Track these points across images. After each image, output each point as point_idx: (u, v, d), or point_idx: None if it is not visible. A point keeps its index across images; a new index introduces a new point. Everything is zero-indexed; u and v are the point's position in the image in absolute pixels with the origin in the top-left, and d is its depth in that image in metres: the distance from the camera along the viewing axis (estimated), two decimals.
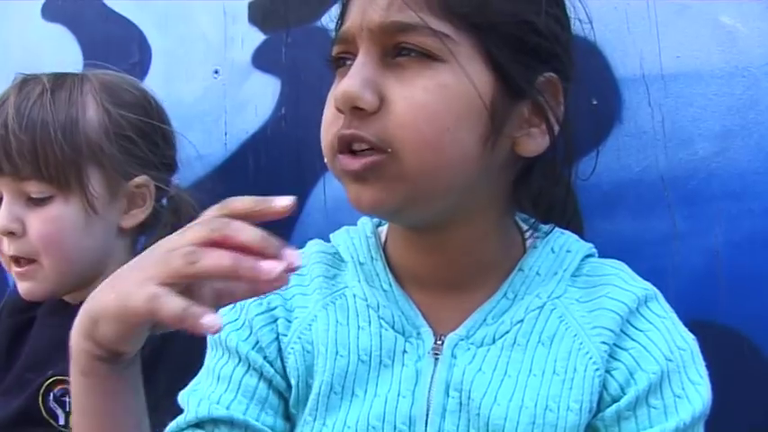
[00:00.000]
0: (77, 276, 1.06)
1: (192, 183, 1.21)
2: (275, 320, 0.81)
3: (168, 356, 0.96)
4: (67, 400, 1.00)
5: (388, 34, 0.73)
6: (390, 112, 0.71)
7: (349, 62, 0.75)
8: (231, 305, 0.81)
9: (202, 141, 1.23)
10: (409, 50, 0.72)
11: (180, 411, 0.81)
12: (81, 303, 1.02)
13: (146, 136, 1.08)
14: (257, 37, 1.21)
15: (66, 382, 0.99)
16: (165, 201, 1.12)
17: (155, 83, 1.28)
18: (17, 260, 1.04)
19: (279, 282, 0.59)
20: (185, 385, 0.83)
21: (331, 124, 0.75)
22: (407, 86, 0.72)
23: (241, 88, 1.21)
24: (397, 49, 0.73)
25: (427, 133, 0.71)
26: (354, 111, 0.72)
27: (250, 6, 1.22)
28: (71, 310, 1.04)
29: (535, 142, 0.77)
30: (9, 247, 1.03)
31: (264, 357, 0.80)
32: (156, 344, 0.94)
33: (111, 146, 1.04)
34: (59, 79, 1.06)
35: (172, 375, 0.95)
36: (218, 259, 0.59)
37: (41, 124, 1.01)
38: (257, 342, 0.81)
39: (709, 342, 0.81)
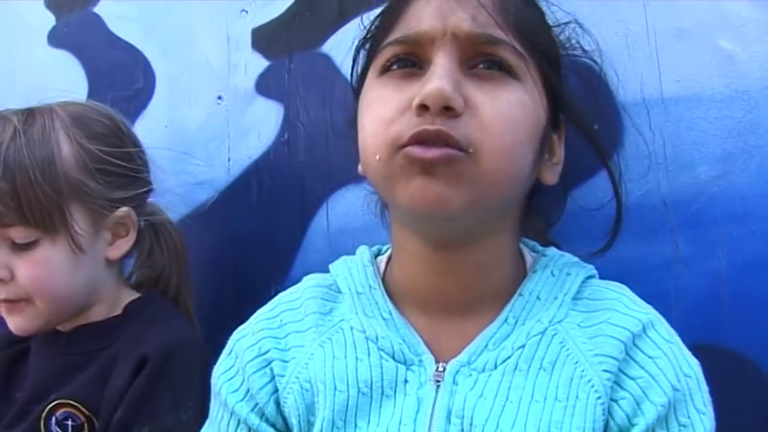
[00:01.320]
0: (70, 310, 1.05)
1: (196, 208, 1.22)
2: (269, 364, 0.82)
3: (169, 373, 0.98)
4: (70, 423, 1.00)
5: (473, 44, 0.75)
6: (476, 117, 0.73)
7: (405, 67, 0.77)
8: (228, 351, 0.85)
9: (206, 167, 1.24)
10: (491, 63, 0.75)
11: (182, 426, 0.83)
12: (74, 330, 1.07)
13: (122, 165, 1.07)
14: (260, 63, 1.22)
15: (69, 405, 1.00)
16: (142, 222, 1.11)
17: (159, 108, 1.29)
18: (7, 301, 1.03)
19: None
20: (187, 399, 0.90)
21: (392, 122, 0.74)
22: (492, 96, 0.74)
23: (244, 114, 1.22)
24: (477, 59, 0.75)
25: (508, 142, 0.74)
26: (442, 111, 0.72)
27: (253, 33, 1.22)
28: (65, 338, 1.07)
29: (553, 172, 0.83)
30: None
31: (255, 405, 0.81)
32: (157, 362, 0.97)
33: (90, 181, 1.03)
34: (29, 117, 1.04)
35: (175, 391, 0.97)
36: None
37: (19, 169, 0.99)
38: (248, 390, 0.81)
39: (713, 365, 0.81)
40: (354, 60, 0.88)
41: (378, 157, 0.75)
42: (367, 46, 0.85)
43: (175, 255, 1.14)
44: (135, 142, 1.12)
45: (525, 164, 0.76)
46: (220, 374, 0.84)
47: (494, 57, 0.75)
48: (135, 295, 1.10)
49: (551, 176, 0.83)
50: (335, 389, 0.78)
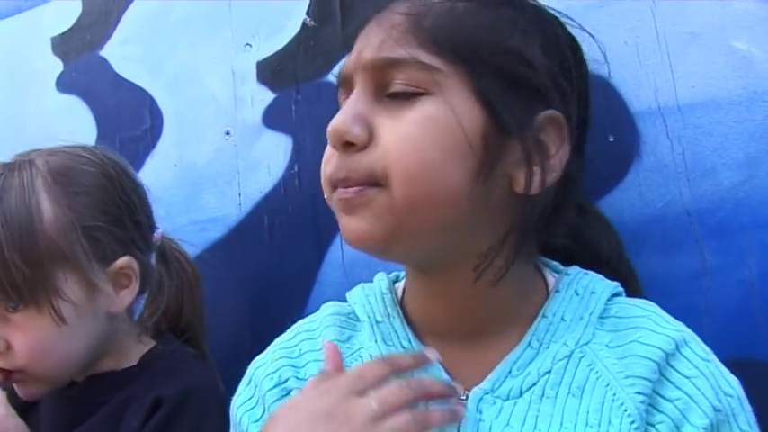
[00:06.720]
0: (73, 371, 1.02)
1: (208, 245, 1.21)
2: (288, 392, 0.80)
3: (185, 415, 0.96)
4: None
5: (379, 70, 0.74)
6: (378, 146, 0.72)
7: None
8: (247, 381, 0.84)
9: (216, 203, 1.23)
10: (400, 85, 0.73)
11: None
12: (87, 379, 1.04)
13: (114, 215, 1.02)
14: (267, 96, 1.21)
15: None
16: (153, 257, 1.08)
17: (167, 147, 1.29)
18: (8, 372, 1.00)
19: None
20: None
21: (327, 162, 0.76)
22: (396, 120, 0.72)
23: (253, 148, 1.21)
24: (390, 86, 0.74)
25: (412, 165, 0.71)
26: (345, 147, 0.73)
27: (258, 66, 1.22)
28: (77, 388, 1.05)
29: (534, 180, 0.73)
30: None
31: None
32: (174, 404, 0.96)
33: (76, 242, 0.98)
34: (5, 182, 0.98)
35: None
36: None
37: None
38: None
39: (752, 380, 0.77)
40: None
41: (326, 196, 0.77)
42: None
43: (188, 287, 1.11)
44: (127, 185, 1.07)
45: (451, 181, 0.71)
46: (240, 405, 0.83)
47: (398, 79, 0.73)
48: (150, 344, 1.07)
49: (522, 183, 0.73)
50: None
